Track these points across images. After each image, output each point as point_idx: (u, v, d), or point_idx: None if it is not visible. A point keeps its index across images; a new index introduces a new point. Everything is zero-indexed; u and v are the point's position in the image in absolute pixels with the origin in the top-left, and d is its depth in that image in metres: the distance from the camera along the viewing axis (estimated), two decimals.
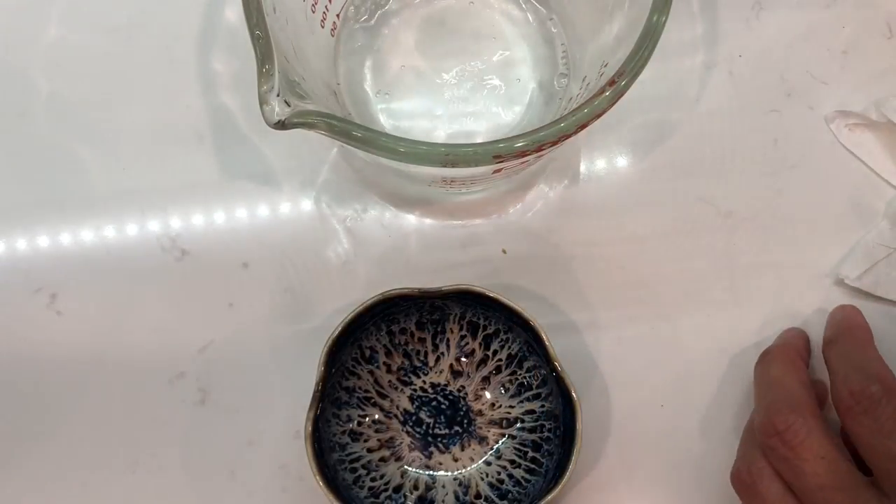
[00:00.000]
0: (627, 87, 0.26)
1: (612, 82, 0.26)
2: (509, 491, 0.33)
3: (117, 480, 0.35)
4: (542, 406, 0.34)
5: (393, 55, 0.37)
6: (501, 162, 0.26)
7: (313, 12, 0.32)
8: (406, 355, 0.35)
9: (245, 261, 0.37)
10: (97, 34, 0.39)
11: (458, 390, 0.35)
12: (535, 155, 0.27)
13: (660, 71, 0.38)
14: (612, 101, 0.26)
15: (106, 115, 0.38)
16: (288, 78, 0.26)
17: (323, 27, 0.34)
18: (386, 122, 0.36)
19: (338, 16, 0.35)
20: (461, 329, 0.35)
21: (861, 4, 0.40)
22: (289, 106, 0.25)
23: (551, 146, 0.26)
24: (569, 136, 0.26)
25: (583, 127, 0.26)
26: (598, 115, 0.26)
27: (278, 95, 0.25)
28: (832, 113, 0.38)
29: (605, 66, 0.30)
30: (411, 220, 0.37)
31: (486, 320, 0.34)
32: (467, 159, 0.26)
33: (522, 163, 0.29)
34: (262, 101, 0.25)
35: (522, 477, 0.33)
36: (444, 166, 0.26)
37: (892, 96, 0.37)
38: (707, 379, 0.36)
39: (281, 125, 0.25)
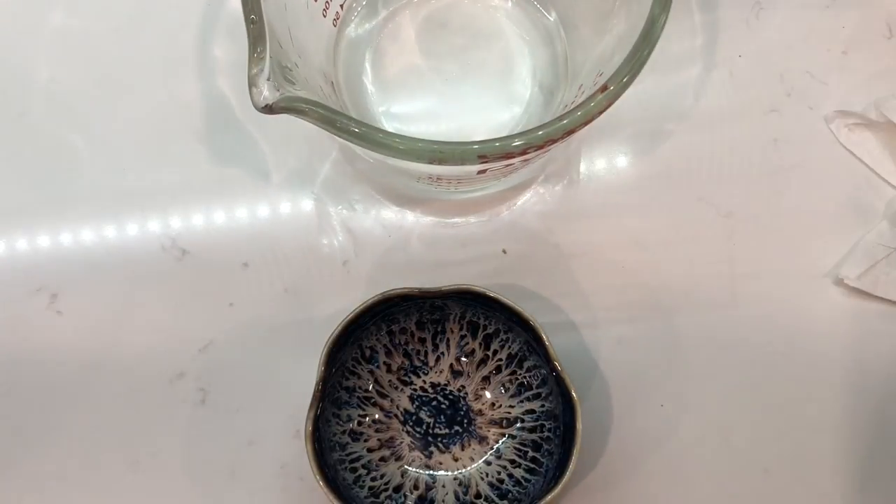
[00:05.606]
0: (618, 94, 0.26)
1: (604, 88, 0.26)
2: (509, 491, 0.33)
3: (117, 480, 0.35)
4: (542, 406, 0.34)
5: (393, 51, 0.37)
6: (486, 163, 0.26)
7: (315, 1, 0.32)
8: (406, 355, 0.35)
9: (245, 261, 0.37)
10: (98, 29, 0.39)
11: (459, 390, 0.35)
12: (521, 159, 0.26)
13: (660, 71, 0.38)
14: (604, 108, 0.26)
15: (106, 113, 0.38)
16: (280, 63, 0.26)
17: (325, 17, 0.34)
18: (383, 118, 0.36)
19: (341, 6, 0.35)
20: (461, 329, 0.35)
21: (861, 4, 0.40)
22: (278, 91, 0.25)
23: (537, 150, 0.26)
24: (556, 141, 0.26)
25: (571, 132, 0.26)
26: (588, 121, 0.26)
27: (268, 79, 0.25)
28: (832, 113, 0.38)
29: (600, 75, 0.29)
30: (412, 219, 0.37)
31: (486, 320, 0.34)
32: (453, 157, 0.25)
33: (507, 165, 0.29)
34: (251, 84, 0.25)
35: (522, 477, 0.33)
36: (430, 163, 0.25)
37: (892, 96, 0.37)
38: (707, 379, 0.36)
39: (269, 109, 0.25)
